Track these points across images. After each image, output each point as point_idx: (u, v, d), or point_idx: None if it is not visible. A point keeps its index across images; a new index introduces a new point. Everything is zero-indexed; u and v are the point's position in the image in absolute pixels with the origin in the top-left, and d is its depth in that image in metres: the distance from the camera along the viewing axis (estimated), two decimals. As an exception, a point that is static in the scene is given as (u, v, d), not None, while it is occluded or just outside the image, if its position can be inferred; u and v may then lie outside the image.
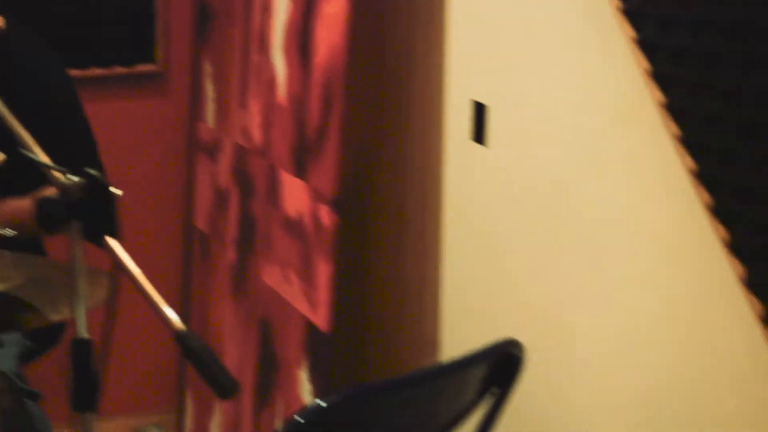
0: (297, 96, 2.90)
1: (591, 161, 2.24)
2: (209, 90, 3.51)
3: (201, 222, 3.57)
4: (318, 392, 2.78)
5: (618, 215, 2.17)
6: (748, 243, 1.77)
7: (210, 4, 3.52)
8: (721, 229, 1.81)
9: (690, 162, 1.86)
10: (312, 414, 1.74)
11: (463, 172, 2.68)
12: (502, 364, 2.10)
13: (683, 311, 2.00)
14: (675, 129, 1.91)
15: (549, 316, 2.38)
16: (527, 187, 2.44)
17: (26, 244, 2.45)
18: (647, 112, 2.01)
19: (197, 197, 3.61)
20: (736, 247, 1.79)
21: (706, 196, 1.84)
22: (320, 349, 2.80)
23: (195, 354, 1.63)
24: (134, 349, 3.62)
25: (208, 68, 3.53)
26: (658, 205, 2.05)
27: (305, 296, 2.85)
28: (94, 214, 1.69)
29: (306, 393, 2.84)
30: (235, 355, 3.28)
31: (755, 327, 1.78)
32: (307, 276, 2.84)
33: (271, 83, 3.05)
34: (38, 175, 1.78)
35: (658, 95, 1.95)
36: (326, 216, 2.72)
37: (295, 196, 2.89)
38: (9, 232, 2.15)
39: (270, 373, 3.06)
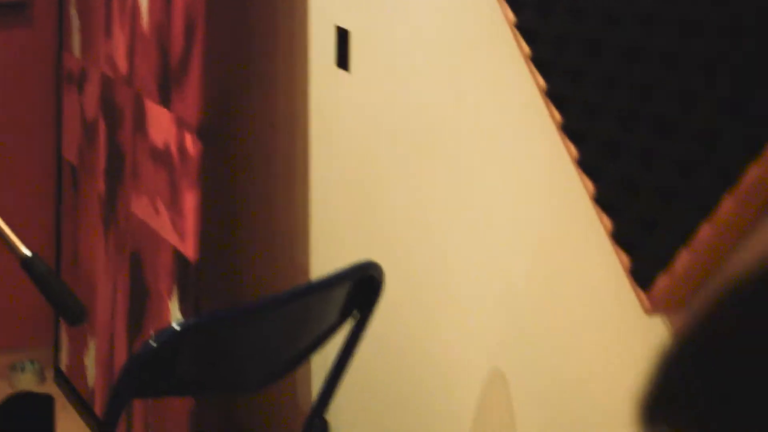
0: (160, 24, 2.86)
1: (452, 86, 2.25)
2: (75, 20, 3.45)
3: (70, 154, 3.52)
4: (188, 321, 2.78)
5: (481, 141, 2.19)
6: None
7: (73, -69, 3.45)
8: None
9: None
10: (165, 337, 1.74)
11: (329, 97, 2.68)
12: (362, 288, 2.12)
13: (547, 238, 2.04)
14: (527, 49, 1.93)
15: (415, 240, 2.40)
16: (391, 113, 2.45)
17: None
18: (506, 32, 2.02)
19: (66, 129, 3.55)
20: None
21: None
22: (189, 279, 2.79)
23: (41, 280, 1.62)
24: (5, 285, 3.58)
25: (73, -3, 3.46)
26: (519, 129, 2.08)
27: (173, 226, 2.83)
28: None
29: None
30: (108, 286, 3.26)
31: (619, 269, 1.81)
32: (174, 206, 2.82)
33: (134, 11, 3.00)
34: None
35: (510, 16, 1.97)
36: (191, 144, 2.71)
37: (161, 125, 2.87)
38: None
39: (142, 304, 3.05)
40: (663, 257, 1.65)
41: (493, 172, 2.15)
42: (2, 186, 3.62)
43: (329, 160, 2.70)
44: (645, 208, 1.70)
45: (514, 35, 1.97)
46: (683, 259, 1.62)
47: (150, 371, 1.75)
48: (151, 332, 2.98)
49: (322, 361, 2.30)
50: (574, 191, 1.88)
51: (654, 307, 1.69)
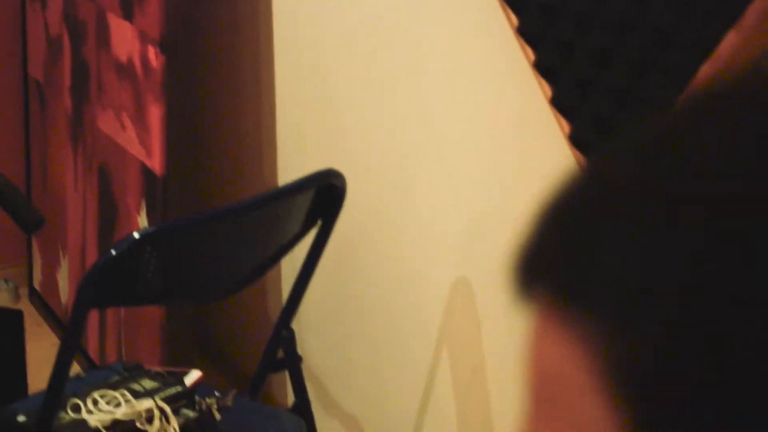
0: (121, -64, 2.83)
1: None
2: (37, -65, 3.41)
3: (36, 71, 3.49)
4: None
5: (434, 39, 2.18)
6: (552, 63, 1.79)
7: None
8: (528, 50, 1.84)
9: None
10: (125, 245, 1.75)
11: (294, 5, 2.66)
12: (325, 196, 2.13)
13: (497, 123, 2.04)
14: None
15: (380, 154, 2.40)
16: (353, 20, 2.43)
17: None
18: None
19: (31, 46, 3.52)
20: (541, 68, 1.81)
21: (513, 17, 1.86)
22: (157, 193, 2.79)
23: (-3, 190, 1.62)
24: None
25: None
26: (469, 27, 2.07)
27: (140, 140, 2.83)
28: None
29: (145, 237, 2.84)
30: (78, 203, 3.26)
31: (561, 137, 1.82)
32: (140, 120, 2.81)
33: (95, -76, 2.97)
34: None
35: None
36: (154, 57, 2.69)
37: (124, 39, 2.84)
38: None
39: (111, 219, 3.05)
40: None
41: (445, 66, 2.14)
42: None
43: (296, 72, 2.69)
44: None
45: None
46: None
47: (113, 280, 1.75)
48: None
49: (292, 273, 2.31)
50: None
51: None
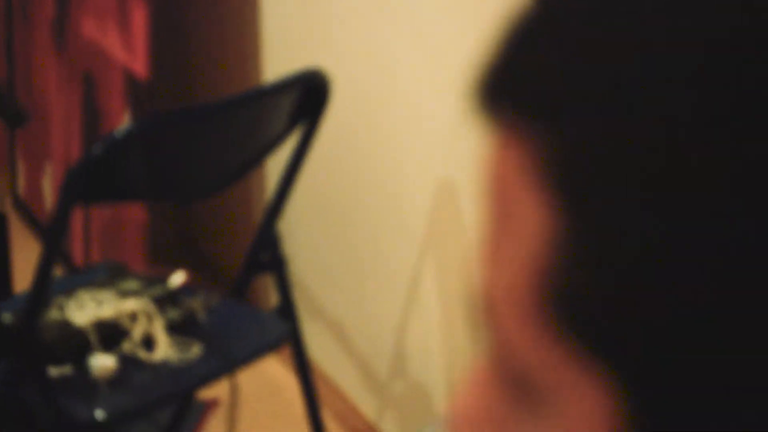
0: None
1: None
2: None
3: (18, -23, 3.46)
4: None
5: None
6: None
7: None
8: None
9: None
10: (107, 143, 1.74)
11: None
12: (310, 96, 2.11)
13: (486, 16, 2.03)
14: None
15: (364, 54, 2.39)
16: None
17: None
18: None
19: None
20: None
21: None
22: (141, 98, 2.77)
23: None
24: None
25: None
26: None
27: (123, 45, 2.80)
28: None
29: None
30: (62, 109, 3.24)
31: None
32: (123, 24, 2.78)
33: None
34: None
35: None
36: (137, -41, 2.66)
37: (107, -59, 2.81)
38: None
39: (96, 125, 3.04)
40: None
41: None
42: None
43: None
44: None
45: None
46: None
47: (97, 174, 1.75)
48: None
49: (278, 176, 2.31)
50: None
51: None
